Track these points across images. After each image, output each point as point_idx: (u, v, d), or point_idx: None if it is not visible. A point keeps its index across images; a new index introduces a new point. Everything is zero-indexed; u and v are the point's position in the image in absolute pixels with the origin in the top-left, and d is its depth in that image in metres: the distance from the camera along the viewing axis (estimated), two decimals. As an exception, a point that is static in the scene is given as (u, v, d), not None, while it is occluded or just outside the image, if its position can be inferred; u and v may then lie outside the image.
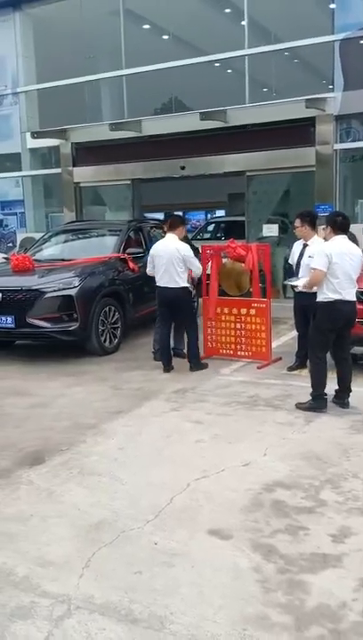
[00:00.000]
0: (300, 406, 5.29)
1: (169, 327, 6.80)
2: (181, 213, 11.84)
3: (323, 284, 5.12)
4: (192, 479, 3.96)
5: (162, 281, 6.64)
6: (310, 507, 3.60)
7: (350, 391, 5.39)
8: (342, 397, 5.36)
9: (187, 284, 6.67)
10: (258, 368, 6.73)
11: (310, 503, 3.64)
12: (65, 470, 4.21)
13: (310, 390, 5.29)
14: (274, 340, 7.24)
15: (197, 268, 6.67)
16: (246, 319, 7.03)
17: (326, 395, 5.27)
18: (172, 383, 6.25)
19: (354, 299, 5.25)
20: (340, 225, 5.24)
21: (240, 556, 3.11)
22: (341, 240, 5.19)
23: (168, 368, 6.71)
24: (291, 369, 6.51)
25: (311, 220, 6.35)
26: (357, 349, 6.30)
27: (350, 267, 5.13)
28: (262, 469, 4.12)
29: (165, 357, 6.74)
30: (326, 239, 5.38)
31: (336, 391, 5.38)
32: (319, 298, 5.18)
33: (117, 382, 6.39)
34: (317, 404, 5.23)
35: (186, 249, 6.57)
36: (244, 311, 7.05)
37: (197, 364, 6.74)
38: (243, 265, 7.05)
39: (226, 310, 7.15)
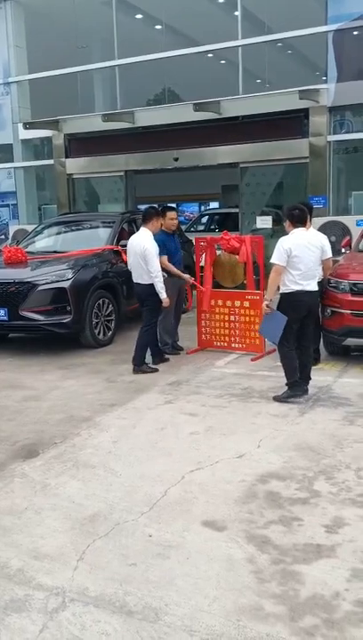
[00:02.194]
0: (278, 398, 5.34)
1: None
2: (174, 205, 11.79)
3: (284, 276, 5.20)
4: (187, 471, 3.97)
5: (133, 276, 6.55)
6: (304, 498, 3.61)
7: (310, 379, 5.49)
8: (302, 384, 5.44)
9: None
10: (252, 360, 6.74)
11: (304, 494, 3.66)
12: (59, 463, 4.21)
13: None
14: (268, 332, 7.23)
15: (153, 270, 6.23)
16: (240, 311, 7.03)
17: (300, 380, 5.35)
18: (166, 376, 6.25)
19: (315, 289, 5.36)
20: (297, 217, 5.33)
21: (234, 547, 3.12)
22: (299, 232, 5.29)
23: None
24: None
25: (307, 212, 6.32)
26: (350, 341, 6.33)
27: (310, 258, 5.24)
28: (256, 461, 4.13)
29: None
30: (287, 232, 5.41)
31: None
32: (281, 289, 5.26)
33: (111, 375, 6.38)
34: (293, 391, 5.33)
35: (149, 246, 6.27)
36: (238, 303, 7.05)
37: (139, 363, 6.40)
38: (237, 257, 7.04)
39: (220, 302, 7.15)
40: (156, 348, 6.72)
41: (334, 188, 11.68)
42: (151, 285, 6.33)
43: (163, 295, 6.34)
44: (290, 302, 5.24)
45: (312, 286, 5.30)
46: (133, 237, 6.65)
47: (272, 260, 5.22)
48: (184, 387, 5.87)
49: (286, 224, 5.43)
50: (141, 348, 6.46)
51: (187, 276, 7.06)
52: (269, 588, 2.79)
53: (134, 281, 6.56)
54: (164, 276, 6.48)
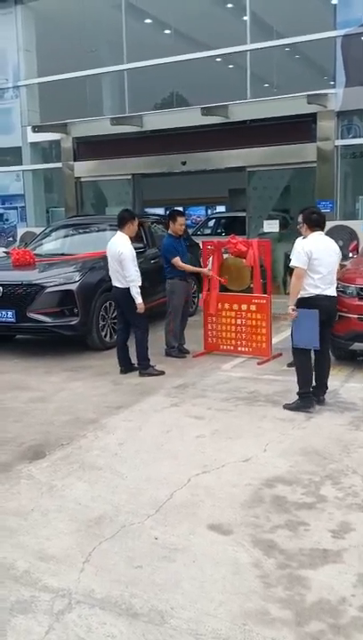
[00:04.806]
0: (287, 407, 5.23)
1: (125, 326, 6.62)
2: (181, 208, 11.76)
3: (303, 280, 5.10)
4: (193, 474, 3.97)
5: (112, 279, 6.52)
6: (311, 502, 3.60)
7: (327, 388, 5.40)
8: (317, 394, 5.32)
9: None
10: (258, 364, 6.74)
11: (311, 499, 3.65)
12: (65, 465, 4.22)
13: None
14: (274, 336, 7.23)
15: (129, 275, 6.22)
16: (247, 315, 7.03)
17: (312, 394, 5.24)
18: (172, 378, 6.25)
19: (334, 294, 5.26)
20: (315, 221, 5.27)
21: (241, 551, 3.11)
22: (318, 236, 5.22)
23: (124, 369, 6.52)
24: (291, 365, 6.49)
25: (324, 216, 6.32)
26: (357, 346, 6.31)
27: (329, 262, 5.16)
28: (262, 465, 4.12)
29: (121, 357, 6.56)
30: (304, 237, 5.35)
31: (313, 387, 5.34)
32: (301, 294, 5.13)
33: (118, 377, 6.39)
34: (304, 403, 5.18)
35: (125, 250, 6.24)
36: (244, 307, 7.05)
37: (145, 366, 6.42)
38: (244, 261, 7.05)
39: (227, 306, 7.15)
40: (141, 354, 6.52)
41: (341, 193, 11.67)
42: (128, 289, 6.30)
43: (138, 300, 6.29)
44: (310, 307, 5.08)
45: (331, 291, 5.18)
46: (110, 242, 6.54)
47: (293, 264, 5.12)
48: (190, 390, 5.87)
49: (303, 228, 5.35)
50: (141, 351, 6.43)
51: (205, 270, 7.16)
52: (275, 592, 2.78)
53: (113, 284, 6.53)
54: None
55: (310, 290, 5.12)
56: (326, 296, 5.15)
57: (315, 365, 5.35)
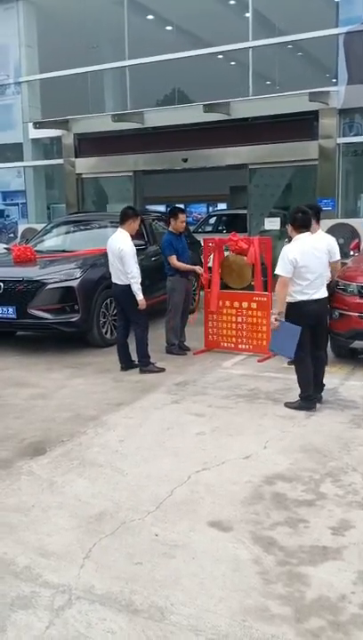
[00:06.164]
0: (289, 405, 5.21)
1: (125, 323, 6.61)
2: (182, 206, 11.76)
3: (290, 286, 4.98)
4: (193, 471, 3.97)
5: (112, 277, 6.51)
6: (311, 500, 3.61)
7: (324, 386, 5.38)
8: (315, 393, 5.29)
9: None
10: (259, 361, 6.74)
11: (311, 496, 3.65)
12: (66, 461, 4.23)
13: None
14: (275, 334, 7.23)
15: (130, 271, 6.19)
16: (248, 312, 7.03)
17: (313, 395, 5.20)
18: (172, 376, 6.25)
19: (325, 295, 5.15)
20: (300, 221, 5.08)
21: (241, 547, 3.12)
22: (304, 238, 5.05)
23: (124, 366, 6.50)
24: (291, 363, 6.50)
25: (316, 214, 6.29)
26: (357, 344, 6.32)
27: (317, 264, 5.03)
28: (262, 462, 4.13)
29: (121, 354, 6.55)
30: (291, 238, 5.21)
31: None
32: (287, 299, 5.02)
33: (118, 374, 6.40)
34: (305, 404, 5.15)
35: (125, 247, 6.21)
36: (245, 304, 7.05)
37: (145, 363, 6.41)
38: (245, 258, 7.05)
39: (227, 303, 7.15)
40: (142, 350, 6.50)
41: (342, 191, 11.68)
42: (128, 286, 6.29)
43: (139, 296, 6.29)
44: (297, 312, 5.00)
45: (320, 294, 5.08)
46: (110, 238, 6.52)
47: (277, 272, 5.00)
48: (191, 387, 5.88)
49: (289, 229, 5.20)
50: (141, 348, 6.43)
51: (197, 267, 7.21)
52: (274, 589, 2.79)
53: (113, 281, 6.52)
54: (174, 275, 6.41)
55: (296, 296, 5.00)
56: (315, 300, 5.04)
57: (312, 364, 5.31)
